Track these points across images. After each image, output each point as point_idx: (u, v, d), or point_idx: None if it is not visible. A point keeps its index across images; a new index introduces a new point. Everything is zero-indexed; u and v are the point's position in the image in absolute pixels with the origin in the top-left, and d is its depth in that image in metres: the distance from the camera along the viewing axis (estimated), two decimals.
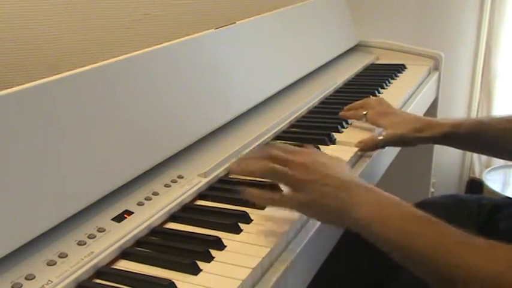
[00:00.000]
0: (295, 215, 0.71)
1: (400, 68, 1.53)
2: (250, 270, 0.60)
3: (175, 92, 0.90)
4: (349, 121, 1.10)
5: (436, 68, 1.59)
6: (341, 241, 0.82)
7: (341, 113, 1.10)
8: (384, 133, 0.97)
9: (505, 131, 0.92)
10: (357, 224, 0.63)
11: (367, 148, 0.97)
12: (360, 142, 0.97)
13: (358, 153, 0.96)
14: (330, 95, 1.30)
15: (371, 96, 1.23)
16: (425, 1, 2.04)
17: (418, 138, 0.95)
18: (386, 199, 0.65)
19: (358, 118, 1.07)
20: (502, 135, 0.93)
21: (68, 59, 1.19)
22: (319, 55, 1.47)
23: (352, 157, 0.92)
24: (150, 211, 0.72)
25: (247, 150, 0.93)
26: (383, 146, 0.98)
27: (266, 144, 0.76)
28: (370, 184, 0.68)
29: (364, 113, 1.05)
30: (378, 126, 1.02)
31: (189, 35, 0.99)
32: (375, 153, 0.98)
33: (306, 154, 0.71)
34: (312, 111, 1.19)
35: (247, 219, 0.71)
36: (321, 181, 0.66)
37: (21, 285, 0.57)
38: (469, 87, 2.10)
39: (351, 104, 1.11)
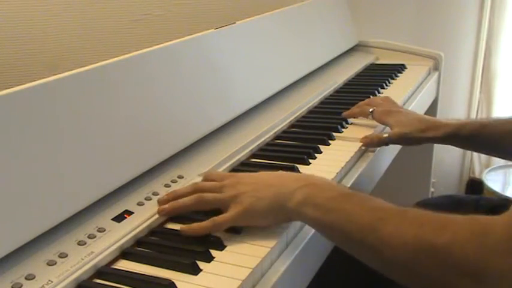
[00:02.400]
0: None
1: (400, 68, 1.53)
2: (250, 270, 0.60)
3: (175, 92, 0.90)
4: (349, 121, 1.10)
5: (436, 68, 1.59)
6: None
7: (344, 113, 1.11)
8: (389, 131, 0.99)
9: (506, 133, 0.93)
10: (292, 213, 0.66)
11: (371, 144, 0.98)
12: (365, 137, 0.98)
13: (359, 152, 0.96)
14: (330, 95, 1.30)
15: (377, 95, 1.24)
16: (425, 1, 2.04)
17: (422, 138, 0.98)
18: (311, 181, 0.68)
19: (365, 115, 1.08)
20: (503, 137, 0.94)
21: (68, 59, 1.19)
22: (319, 55, 1.47)
23: (352, 157, 0.92)
24: (150, 211, 0.72)
25: (247, 150, 0.93)
26: (387, 144, 0.99)
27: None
28: (302, 173, 0.71)
29: (371, 110, 1.06)
30: (384, 124, 1.03)
31: (189, 35, 0.99)
32: (374, 152, 0.98)
33: (234, 176, 0.74)
34: (312, 111, 1.19)
35: None
36: (251, 189, 0.68)
37: (21, 285, 0.57)
38: (469, 87, 2.10)
39: (357, 104, 1.12)
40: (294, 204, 0.65)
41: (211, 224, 0.67)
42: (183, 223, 0.72)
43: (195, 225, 0.67)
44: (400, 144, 1.04)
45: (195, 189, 0.72)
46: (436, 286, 0.54)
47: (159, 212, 0.72)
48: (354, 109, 1.11)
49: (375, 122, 1.06)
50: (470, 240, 0.52)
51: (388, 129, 1.02)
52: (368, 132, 1.03)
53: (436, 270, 0.53)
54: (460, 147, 1.05)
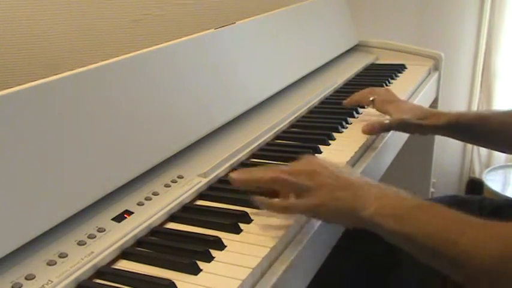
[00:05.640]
0: (294, 215, 0.71)
1: (400, 68, 1.53)
2: (250, 270, 0.60)
3: (175, 92, 0.90)
4: (350, 121, 1.10)
5: (436, 68, 1.59)
6: (341, 240, 0.82)
7: (345, 102, 1.13)
8: (390, 118, 1.01)
9: (504, 124, 0.94)
10: (365, 222, 0.65)
11: (373, 130, 1.00)
12: (366, 125, 1.00)
13: (359, 152, 0.96)
14: (330, 95, 1.30)
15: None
16: (425, 1, 2.04)
17: (422, 125, 0.98)
18: (386, 191, 0.67)
19: (366, 103, 1.10)
20: (502, 127, 0.95)
21: (68, 59, 1.19)
22: (319, 55, 1.47)
23: (352, 157, 0.92)
24: (150, 211, 0.72)
25: (247, 150, 0.93)
26: (388, 129, 1.01)
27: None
28: (371, 179, 0.70)
29: (372, 99, 1.08)
30: (385, 112, 1.05)
31: (189, 35, 0.99)
32: (374, 152, 0.98)
33: (308, 162, 0.73)
34: (312, 111, 1.19)
35: (247, 219, 0.71)
36: (328, 186, 0.68)
37: (21, 285, 0.57)
38: (469, 87, 2.10)
39: (358, 92, 1.14)
40: (368, 214, 0.64)
41: (287, 204, 0.69)
42: (184, 223, 0.72)
43: (275, 201, 0.69)
44: (401, 131, 1.05)
45: (270, 169, 0.72)
46: None
47: (233, 180, 0.72)
48: (354, 97, 1.13)
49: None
50: None
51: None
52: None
53: None
54: (459, 139, 1.07)
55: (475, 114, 1.00)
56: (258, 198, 0.70)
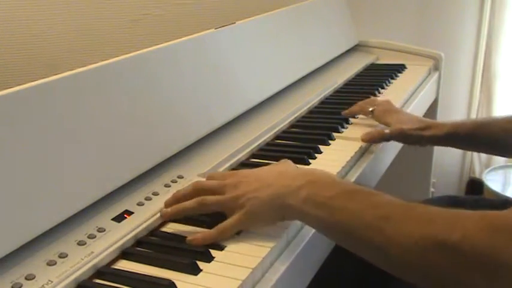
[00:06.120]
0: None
1: (400, 68, 1.53)
2: (250, 270, 0.60)
3: (175, 92, 0.90)
4: (350, 121, 1.10)
5: (436, 68, 1.59)
6: None
7: (344, 112, 1.12)
8: (390, 128, 1.01)
9: (505, 131, 0.93)
10: (294, 211, 0.64)
11: (373, 139, 1.00)
12: (366, 134, 1.00)
13: (359, 152, 0.96)
14: (330, 95, 1.30)
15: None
16: (425, 1, 2.04)
17: (422, 136, 0.98)
18: (315, 178, 0.65)
19: (365, 114, 1.10)
20: (501, 136, 0.94)
21: (67, 59, 1.19)
22: (319, 55, 1.47)
23: (352, 157, 0.92)
24: (150, 211, 0.72)
25: (247, 150, 0.93)
26: (388, 140, 1.01)
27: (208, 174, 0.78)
28: (305, 168, 0.69)
29: (371, 109, 1.07)
30: (384, 123, 1.04)
31: (189, 35, 0.99)
32: (375, 152, 0.98)
33: (235, 174, 0.72)
34: (312, 111, 1.19)
35: None
36: (252, 189, 0.67)
37: (21, 285, 0.57)
38: (469, 88, 2.10)
39: (357, 103, 1.13)
40: (295, 202, 0.63)
41: (216, 232, 0.66)
42: (184, 223, 0.72)
43: (200, 236, 0.66)
44: (400, 142, 1.05)
45: (196, 189, 0.71)
46: (447, 284, 0.53)
47: (162, 215, 0.71)
48: (354, 108, 1.12)
49: (375, 122, 1.07)
50: (481, 236, 0.50)
51: None
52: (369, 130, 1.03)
53: (447, 268, 0.52)
54: (460, 148, 1.06)
55: (475, 123, 1.00)
56: (188, 240, 0.66)
